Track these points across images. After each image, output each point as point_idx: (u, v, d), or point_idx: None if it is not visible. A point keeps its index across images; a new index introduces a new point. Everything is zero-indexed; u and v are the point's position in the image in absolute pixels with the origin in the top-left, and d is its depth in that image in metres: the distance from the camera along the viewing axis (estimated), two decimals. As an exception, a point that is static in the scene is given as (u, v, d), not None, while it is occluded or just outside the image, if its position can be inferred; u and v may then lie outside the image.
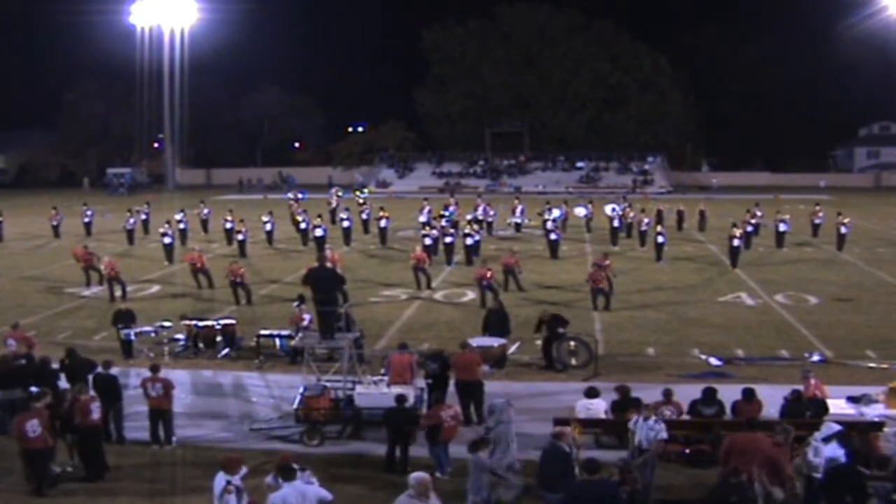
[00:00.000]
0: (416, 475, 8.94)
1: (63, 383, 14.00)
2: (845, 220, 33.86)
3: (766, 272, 28.72)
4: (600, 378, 16.07)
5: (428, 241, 30.22)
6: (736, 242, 29.66)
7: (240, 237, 32.97)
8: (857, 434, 10.81)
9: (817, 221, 37.45)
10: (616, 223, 36.07)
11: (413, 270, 25.95)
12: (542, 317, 17.97)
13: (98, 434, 12.39)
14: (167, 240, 31.52)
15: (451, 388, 14.69)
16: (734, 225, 30.51)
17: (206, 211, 40.56)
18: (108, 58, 71.01)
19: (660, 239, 31.43)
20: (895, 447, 11.17)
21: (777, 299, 24.26)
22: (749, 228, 33.97)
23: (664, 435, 11.31)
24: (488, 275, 23.17)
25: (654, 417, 11.43)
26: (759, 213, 36.20)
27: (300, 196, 49.86)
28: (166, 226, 32.23)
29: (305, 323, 17.55)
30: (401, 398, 12.95)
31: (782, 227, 34.47)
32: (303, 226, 36.28)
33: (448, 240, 30.85)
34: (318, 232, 33.70)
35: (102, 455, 12.34)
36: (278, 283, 27.08)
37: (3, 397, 13.96)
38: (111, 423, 13.45)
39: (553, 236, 32.87)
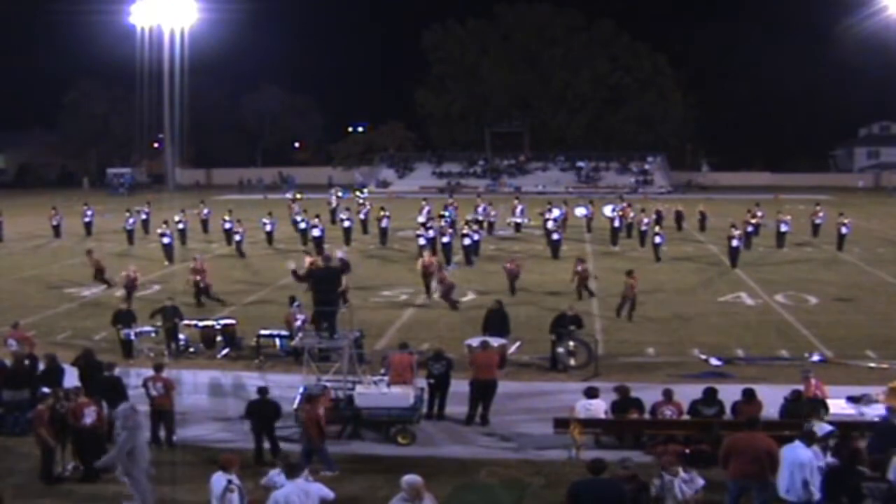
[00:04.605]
0: (408, 478, 8.84)
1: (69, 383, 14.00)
2: (846, 221, 33.77)
3: (766, 272, 28.72)
4: (600, 378, 16.07)
5: (423, 242, 30.24)
6: (735, 243, 29.65)
7: (237, 237, 32.97)
8: (839, 437, 10.80)
9: (818, 221, 37.41)
10: (616, 223, 36.07)
11: (424, 277, 24.62)
12: (567, 311, 17.89)
13: (93, 436, 12.35)
14: (166, 240, 31.58)
15: (454, 388, 14.71)
16: (733, 225, 30.49)
17: (205, 211, 40.59)
18: (108, 58, 70.97)
19: (657, 239, 31.45)
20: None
21: (777, 299, 24.27)
22: (749, 229, 33.97)
23: (702, 482, 10.20)
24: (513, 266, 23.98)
25: (681, 469, 10.12)
26: (759, 213, 36.17)
27: (300, 196, 49.89)
28: (164, 226, 32.29)
29: (299, 323, 17.55)
30: (263, 390, 13.11)
31: (783, 228, 34.38)
32: (302, 225, 36.27)
33: (445, 240, 30.76)
34: (316, 232, 33.65)
35: (102, 455, 12.32)
36: (279, 283, 27.02)
37: (10, 398, 13.97)
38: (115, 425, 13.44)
39: (555, 236, 32.80)
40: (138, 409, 11.74)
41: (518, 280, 25.25)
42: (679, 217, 40.13)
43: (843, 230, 33.56)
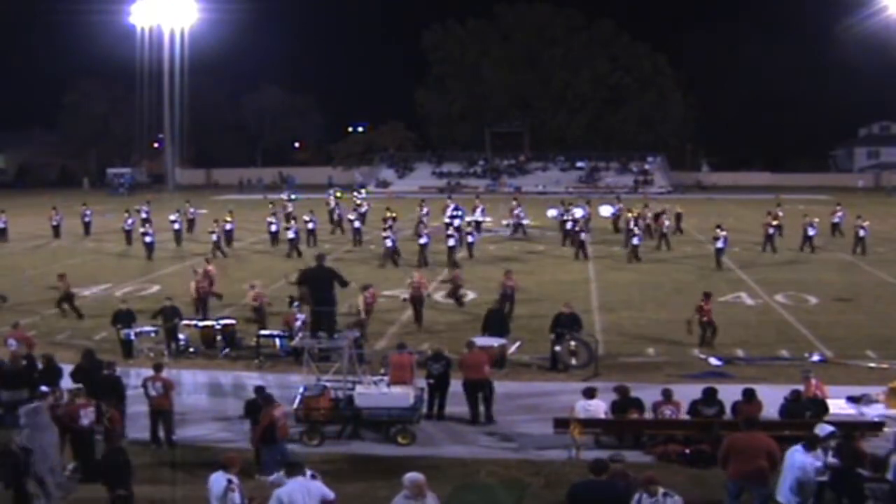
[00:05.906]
0: (411, 476, 8.80)
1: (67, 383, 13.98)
2: (864, 224, 33.23)
3: (766, 272, 28.71)
4: (600, 378, 16.05)
5: (389, 244, 30.14)
6: (720, 244, 29.62)
7: (213, 237, 32.93)
8: (842, 438, 10.78)
9: (836, 220, 37.23)
10: (632, 224, 35.42)
11: (412, 301, 21.36)
12: (564, 310, 17.87)
13: (92, 437, 12.33)
14: (148, 238, 32.08)
15: (453, 388, 14.70)
16: (718, 226, 30.44)
17: (192, 210, 40.67)
18: (108, 58, 71.24)
19: (635, 241, 31.36)
20: (894, 447, 11.13)
21: (777, 299, 24.25)
22: (771, 230, 33.68)
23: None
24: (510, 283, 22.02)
25: (661, 490, 9.27)
26: (780, 214, 35.93)
27: (294, 196, 50.03)
28: (147, 225, 33.00)
29: (298, 324, 17.54)
30: (260, 389, 13.11)
31: (811, 231, 33.57)
32: (310, 226, 35.91)
33: (423, 241, 30.47)
34: (290, 234, 33.29)
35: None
36: (279, 283, 27.01)
37: (8, 398, 13.94)
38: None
39: (583, 236, 32.58)
40: (42, 408, 11.69)
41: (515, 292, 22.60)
42: (657, 217, 39.64)
43: (861, 233, 32.89)
